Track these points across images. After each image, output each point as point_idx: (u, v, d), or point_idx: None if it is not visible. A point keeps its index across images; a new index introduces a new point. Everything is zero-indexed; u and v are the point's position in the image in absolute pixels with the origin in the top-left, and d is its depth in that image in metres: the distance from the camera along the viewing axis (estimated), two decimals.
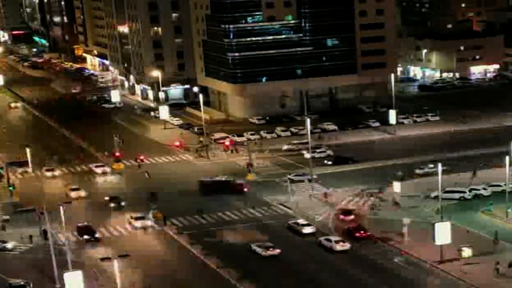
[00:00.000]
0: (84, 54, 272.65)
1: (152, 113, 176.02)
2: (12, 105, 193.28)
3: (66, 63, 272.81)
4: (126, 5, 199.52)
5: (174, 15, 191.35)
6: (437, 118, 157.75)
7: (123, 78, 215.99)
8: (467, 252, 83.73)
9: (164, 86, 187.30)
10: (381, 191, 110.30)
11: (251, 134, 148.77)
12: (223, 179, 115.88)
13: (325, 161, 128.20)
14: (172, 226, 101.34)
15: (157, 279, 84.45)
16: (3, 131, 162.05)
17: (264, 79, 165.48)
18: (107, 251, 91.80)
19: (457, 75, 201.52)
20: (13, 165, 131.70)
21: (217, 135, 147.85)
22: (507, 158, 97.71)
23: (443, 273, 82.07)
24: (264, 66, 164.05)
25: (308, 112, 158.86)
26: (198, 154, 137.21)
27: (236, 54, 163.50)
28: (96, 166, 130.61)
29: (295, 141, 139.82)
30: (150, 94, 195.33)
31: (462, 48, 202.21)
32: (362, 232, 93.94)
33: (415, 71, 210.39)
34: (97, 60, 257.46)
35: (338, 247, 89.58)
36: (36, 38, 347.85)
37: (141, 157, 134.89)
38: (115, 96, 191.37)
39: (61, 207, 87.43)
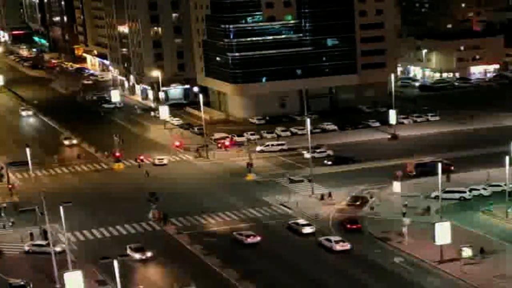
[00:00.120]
0: (84, 54, 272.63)
1: (152, 113, 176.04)
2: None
3: (66, 63, 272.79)
4: (126, 5, 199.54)
5: (174, 15, 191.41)
6: (437, 118, 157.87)
7: (123, 78, 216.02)
8: (467, 252, 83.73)
9: (164, 86, 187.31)
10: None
11: (251, 134, 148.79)
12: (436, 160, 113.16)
13: (325, 161, 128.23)
14: (172, 225, 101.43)
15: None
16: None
17: (264, 79, 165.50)
18: None
19: (457, 75, 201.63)
20: (13, 165, 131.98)
21: (217, 135, 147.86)
22: (507, 158, 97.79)
23: (443, 273, 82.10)
24: (264, 66, 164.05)
25: (308, 112, 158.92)
26: (198, 154, 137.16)
27: (236, 54, 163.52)
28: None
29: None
30: (150, 94, 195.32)
31: (462, 48, 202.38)
32: (353, 225, 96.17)
33: (415, 71, 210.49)
34: (97, 60, 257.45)
35: (338, 247, 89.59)
36: (36, 38, 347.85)
37: (141, 157, 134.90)
38: (115, 96, 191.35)
39: (61, 207, 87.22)
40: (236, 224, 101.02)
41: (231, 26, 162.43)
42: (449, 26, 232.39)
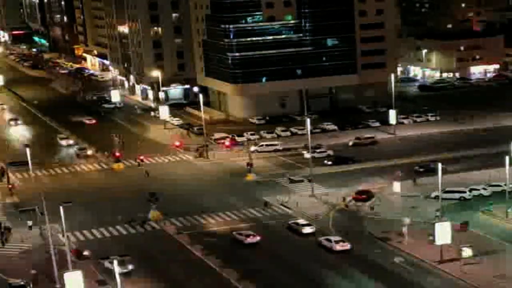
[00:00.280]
0: (84, 54, 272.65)
1: (152, 113, 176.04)
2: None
3: (66, 63, 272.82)
4: (126, 5, 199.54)
5: (174, 15, 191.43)
6: (437, 118, 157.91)
7: (123, 78, 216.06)
8: (467, 252, 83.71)
9: (164, 86, 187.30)
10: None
11: (251, 134, 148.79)
12: None
13: (325, 161, 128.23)
14: (171, 225, 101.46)
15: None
16: None
17: (264, 79, 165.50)
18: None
19: (457, 75, 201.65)
20: (13, 165, 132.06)
21: (217, 135, 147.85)
22: (507, 158, 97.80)
23: (443, 273, 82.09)
24: (264, 66, 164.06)
25: (308, 112, 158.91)
26: (199, 153, 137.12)
27: (236, 54, 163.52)
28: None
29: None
30: (150, 94, 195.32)
31: (462, 48, 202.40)
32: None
33: (415, 71, 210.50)
34: (97, 60, 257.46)
35: (338, 247, 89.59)
36: (36, 38, 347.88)
37: (141, 157, 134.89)
38: (115, 96, 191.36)
39: (61, 207, 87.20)
40: (236, 224, 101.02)
41: (231, 26, 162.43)
42: (449, 26, 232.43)
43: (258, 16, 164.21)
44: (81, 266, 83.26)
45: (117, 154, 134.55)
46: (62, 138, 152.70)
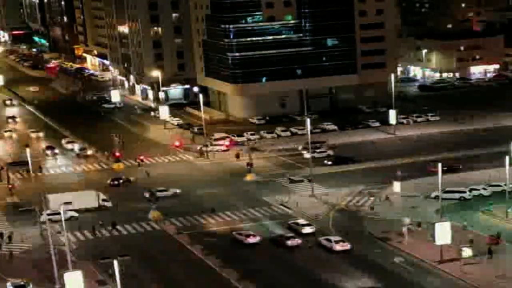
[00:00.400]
0: (84, 54, 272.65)
1: (152, 113, 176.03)
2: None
3: (66, 63, 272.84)
4: (126, 5, 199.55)
5: (174, 15, 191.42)
6: (437, 118, 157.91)
7: (123, 78, 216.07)
8: (467, 252, 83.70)
9: (164, 86, 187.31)
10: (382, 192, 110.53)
11: (251, 134, 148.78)
12: None
13: (325, 161, 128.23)
14: (171, 225, 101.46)
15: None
16: None
17: (264, 79, 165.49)
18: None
19: (457, 75, 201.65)
20: (14, 165, 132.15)
21: (217, 135, 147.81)
22: (507, 158, 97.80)
23: (443, 273, 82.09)
24: (264, 66, 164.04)
25: (308, 112, 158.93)
26: (199, 153, 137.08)
27: (236, 54, 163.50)
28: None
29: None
30: (150, 94, 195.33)
31: (462, 48, 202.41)
32: None
33: (415, 71, 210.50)
34: (97, 60, 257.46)
35: (338, 247, 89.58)
36: (36, 38, 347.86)
37: (141, 157, 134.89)
38: (115, 96, 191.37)
39: (61, 207, 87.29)
40: (236, 224, 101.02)
41: (231, 26, 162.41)
42: (449, 26, 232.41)
43: (258, 16, 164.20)
44: (81, 266, 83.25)
45: (117, 154, 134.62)
46: (68, 142, 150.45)
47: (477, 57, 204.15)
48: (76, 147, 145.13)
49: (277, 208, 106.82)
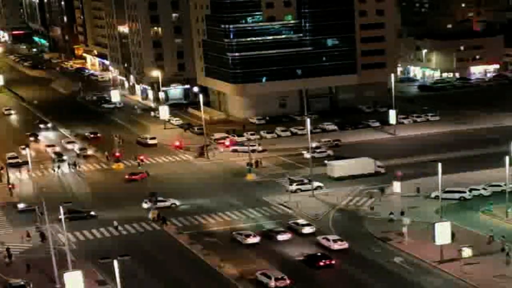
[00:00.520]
0: (84, 54, 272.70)
1: (152, 113, 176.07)
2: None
3: (66, 63, 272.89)
4: (126, 5, 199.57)
5: (174, 15, 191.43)
6: (437, 118, 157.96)
7: (123, 78, 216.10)
8: (467, 252, 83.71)
9: (164, 86, 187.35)
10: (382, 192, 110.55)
11: (251, 134, 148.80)
12: None
13: (325, 161, 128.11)
14: (172, 225, 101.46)
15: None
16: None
17: (264, 79, 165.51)
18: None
19: (457, 75, 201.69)
20: (14, 165, 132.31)
21: (217, 135, 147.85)
22: (507, 158, 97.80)
23: (443, 273, 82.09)
24: (264, 66, 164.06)
25: (308, 112, 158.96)
26: (199, 153, 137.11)
27: (236, 54, 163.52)
28: None
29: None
30: (150, 94, 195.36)
31: (462, 48, 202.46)
32: None
33: (415, 71, 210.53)
34: (97, 60, 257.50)
35: (336, 246, 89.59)
36: (36, 38, 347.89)
37: (141, 157, 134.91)
38: (115, 96, 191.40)
39: (61, 207, 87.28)
40: (236, 224, 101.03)
41: (231, 26, 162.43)
42: (449, 26, 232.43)
43: (258, 16, 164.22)
44: (81, 266, 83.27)
45: (117, 154, 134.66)
46: (68, 142, 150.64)
47: (477, 57, 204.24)
48: (76, 147, 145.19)
49: (277, 208, 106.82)
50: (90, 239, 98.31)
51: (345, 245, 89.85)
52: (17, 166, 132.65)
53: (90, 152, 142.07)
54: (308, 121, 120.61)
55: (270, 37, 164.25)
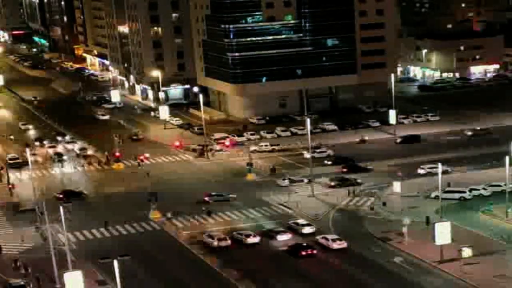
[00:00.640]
0: (84, 54, 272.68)
1: (152, 113, 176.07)
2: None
3: (66, 63, 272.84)
4: (126, 5, 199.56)
5: (174, 15, 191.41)
6: (437, 118, 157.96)
7: (123, 78, 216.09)
8: (467, 252, 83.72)
9: (164, 86, 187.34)
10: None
11: (251, 134, 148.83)
12: None
13: (325, 161, 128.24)
14: (172, 226, 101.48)
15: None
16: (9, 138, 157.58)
17: (264, 79, 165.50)
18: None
19: (457, 75, 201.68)
20: (14, 165, 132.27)
21: (217, 135, 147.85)
22: (507, 158, 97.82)
23: (443, 273, 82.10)
24: (264, 66, 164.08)
25: (308, 112, 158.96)
26: (198, 153, 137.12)
27: (236, 54, 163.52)
28: None
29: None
30: (150, 94, 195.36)
31: (462, 48, 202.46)
32: None
33: (415, 71, 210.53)
34: (97, 60, 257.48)
35: (335, 245, 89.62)
36: (36, 38, 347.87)
37: (141, 157, 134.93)
38: (115, 96, 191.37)
39: (61, 207, 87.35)
40: (236, 224, 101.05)
41: (231, 26, 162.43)
42: (449, 26, 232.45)
43: (258, 16, 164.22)
44: (81, 266, 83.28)
45: (117, 154, 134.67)
46: (68, 142, 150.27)
47: (477, 57, 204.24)
48: (76, 147, 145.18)
49: (277, 208, 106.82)
50: (90, 239, 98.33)
51: (344, 244, 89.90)
52: (18, 167, 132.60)
53: (90, 152, 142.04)
54: (308, 121, 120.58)
55: (270, 37, 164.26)
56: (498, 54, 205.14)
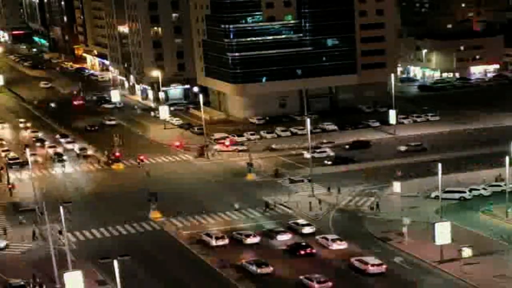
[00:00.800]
0: (84, 54, 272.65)
1: (152, 113, 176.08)
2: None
3: (66, 63, 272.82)
4: (126, 5, 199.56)
5: (174, 15, 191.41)
6: (437, 118, 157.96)
7: (123, 78, 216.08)
8: (467, 252, 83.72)
9: (164, 86, 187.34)
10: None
11: (251, 134, 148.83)
12: None
13: (325, 161, 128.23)
14: (172, 226, 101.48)
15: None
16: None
17: (264, 79, 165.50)
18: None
19: (457, 75, 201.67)
20: (14, 165, 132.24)
21: (217, 135, 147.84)
22: (507, 158, 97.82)
23: (443, 273, 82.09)
24: (264, 66, 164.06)
25: (308, 112, 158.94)
26: (198, 153, 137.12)
27: (236, 54, 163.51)
28: None
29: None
30: (150, 94, 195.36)
31: (462, 48, 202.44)
32: None
33: (415, 71, 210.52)
34: (97, 60, 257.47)
35: (335, 245, 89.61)
36: (36, 38, 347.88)
37: (141, 157, 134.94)
38: (115, 96, 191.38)
39: (61, 207, 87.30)
40: (236, 224, 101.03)
41: (231, 26, 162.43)
42: (449, 26, 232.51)
43: (258, 16, 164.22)
44: (81, 266, 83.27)
45: (117, 154, 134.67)
46: (68, 142, 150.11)
47: (477, 57, 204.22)
48: (76, 147, 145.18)
49: (277, 208, 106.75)
50: (90, 239, 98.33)
51: (344, 244, 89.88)
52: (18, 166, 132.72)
53: (90, 152, 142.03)
54: (308, 121, 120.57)
55: (270, 37, 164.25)
56: (498, 54, 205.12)
